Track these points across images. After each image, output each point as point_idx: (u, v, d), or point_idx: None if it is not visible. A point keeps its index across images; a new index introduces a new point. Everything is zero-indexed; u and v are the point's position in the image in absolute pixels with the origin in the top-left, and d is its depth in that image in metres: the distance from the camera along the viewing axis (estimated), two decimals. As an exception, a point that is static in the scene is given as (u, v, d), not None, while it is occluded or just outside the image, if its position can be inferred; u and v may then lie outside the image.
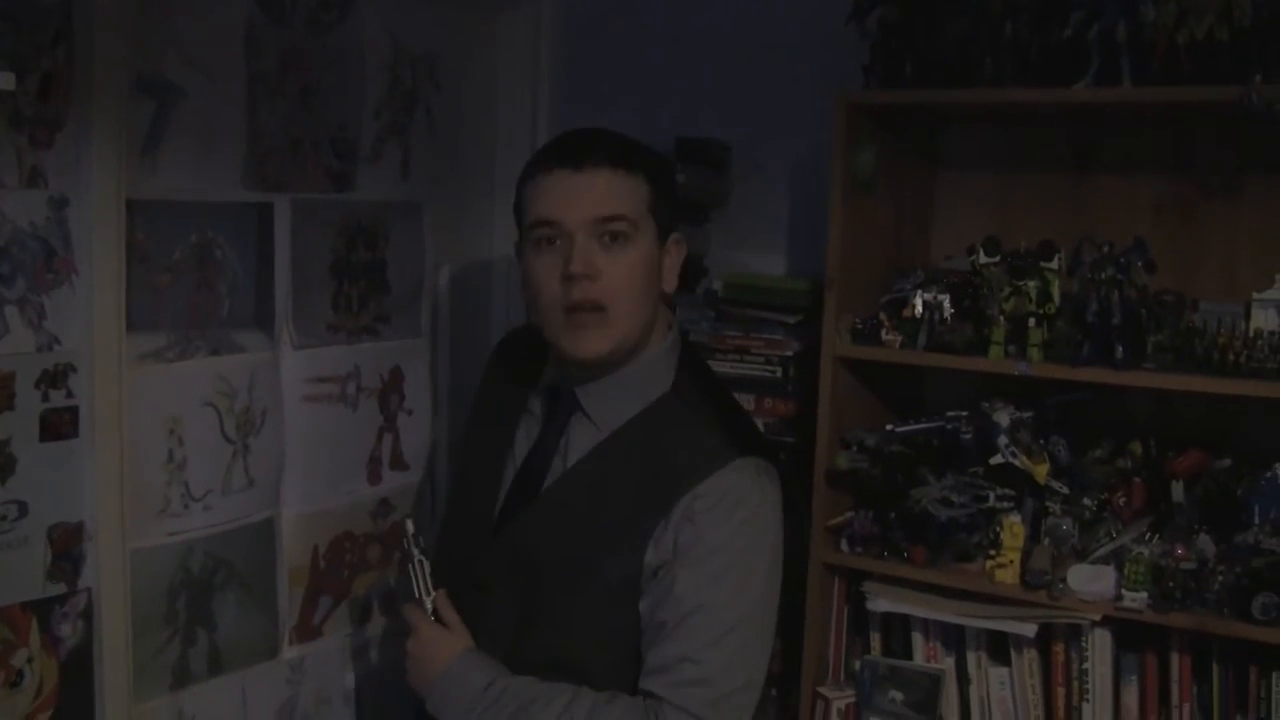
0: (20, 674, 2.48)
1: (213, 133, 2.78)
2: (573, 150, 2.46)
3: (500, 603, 2.56)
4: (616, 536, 2.47)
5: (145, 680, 2.72)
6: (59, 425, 2.47)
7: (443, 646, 2.57)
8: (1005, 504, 3.03)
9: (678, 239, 2.58)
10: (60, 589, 2.52)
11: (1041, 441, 3.05)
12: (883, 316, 3.15)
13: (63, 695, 2.55)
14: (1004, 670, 3.08)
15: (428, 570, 2.64)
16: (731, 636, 2.44)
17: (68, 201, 2.45)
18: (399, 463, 3.35)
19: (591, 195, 2.41)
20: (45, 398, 2.45)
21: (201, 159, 2.76)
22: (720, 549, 2.43)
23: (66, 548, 2.52)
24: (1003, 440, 3.00)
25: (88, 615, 2.57)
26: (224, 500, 2.86)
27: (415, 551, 2.65)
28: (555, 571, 2.51)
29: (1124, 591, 2.85)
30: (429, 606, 2.61)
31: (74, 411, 2.50)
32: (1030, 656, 3.04)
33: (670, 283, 2.58)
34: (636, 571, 2.46)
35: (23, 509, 2.44)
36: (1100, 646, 2.96)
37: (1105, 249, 2.89)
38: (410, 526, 2.67)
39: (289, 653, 3.08)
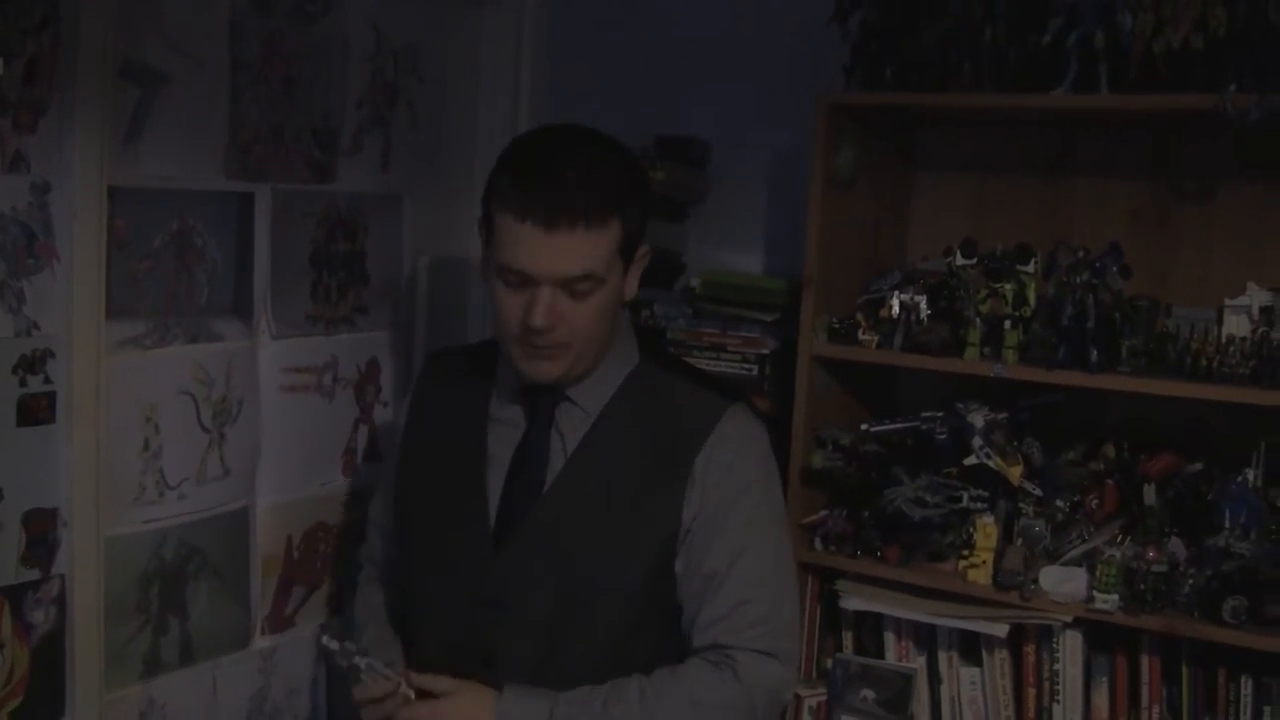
0: (-9, 659, 2.47)
1: (195, 121, 2.76)
2: (547, 205, 2.37)
3: (520, 614, 2.51)
4: (646, 507, 2.49)
5: (116, 668, 2.71)
6: (36, 410, 2.47)
7: (472, 708, 2.47)
8: (979, 505, 3.05)
9: (645, 252, 2.56)
10: (34, 575, 2.51)
11: (1015, 443, 3.08)
12: (859, 316, 3.16)
13: (33, 682, 2.54)
14: (975, 670, 3.10)
15: (379, 665, 2.50)
16: (776, 569, 2.55)
17: (50, 187, 2.44)
18: (374, 454, 3.34)
19: (562, 256, 2.38)
20: (23, 383, 2.44)
21: (184, 147, 2.74)
22: (748, 490, 2.52)
23: (41, 534, 2.51)
24: (977, 441, 3.02)
25: (60, 602, 2.56)
26: (199, 489, 2.85)
27: (358, 661, 2.48)
28: (588, 561, 2.49)
29: (1095, 593, 2.87)
30: (411, 695, 2.48)
31: (51, 397, 2.49)
32: (1001, 657, 3.06)
33: (632, 290, 2.56)
34: (673, 535, 2.49)
35: (-2, 493, 2.44)
36: (1071, 648, 2.98)
37: (1081, 253, 2.91)
38: (332, 642, 2.49)
39: (260, 642, 3.07)
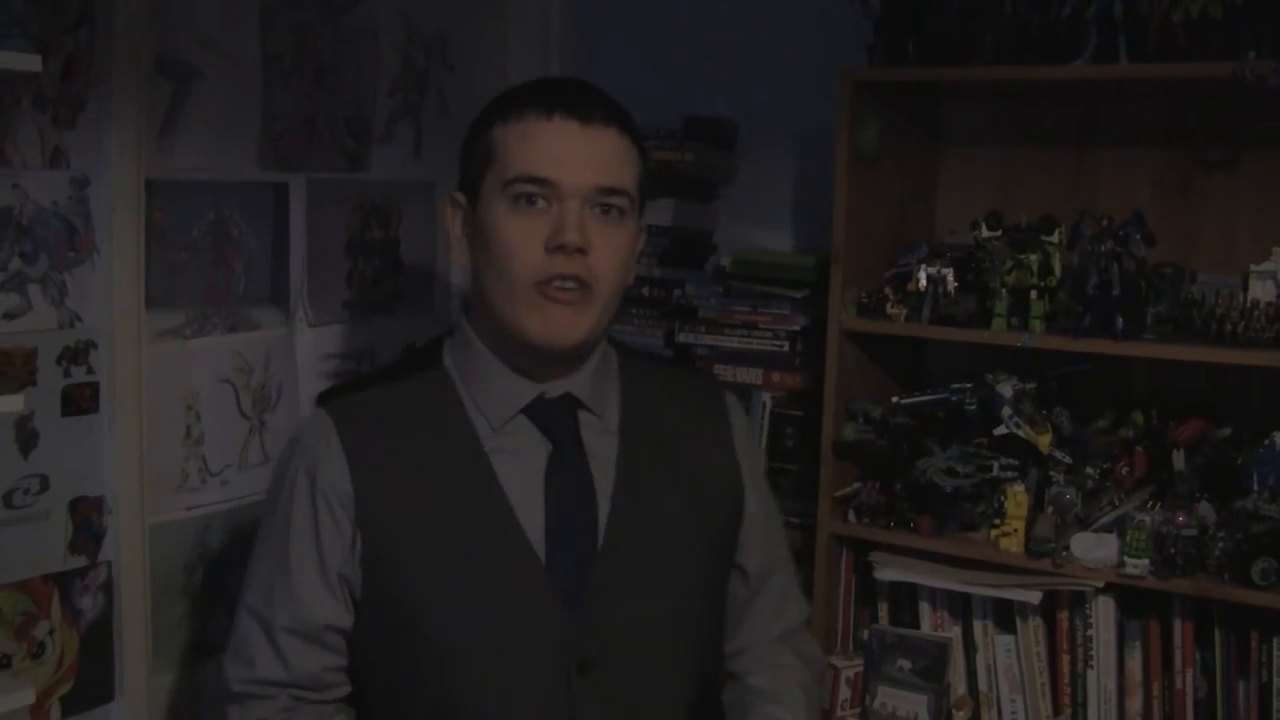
0: (42, 645, 2.51)
1: (229, 113, 2.81)
2: (579, 98, 2.11)
3: (617, 673, 2.14)
4: (709, 512, 2.29)
5: (164, 652, 2.75)
6: (80, 400, 2.52)
7: None
8: (1009, 474, 3.06)
9: (642, 230, 2.28)
10: (81, 562, 2.56)
11: (1044, 412, 3.09)
12: (887, 290, 3.18)
13: (83, 667, 2.59)
14: (1010, 638, 3.11)
15: None
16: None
17: (89, 181, 2.49)
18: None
19: (598, 158, 2.09)
20: (67, 374, 2.49)
21: (218, 139, 2.80)
22: (761, 459, 2.52)
23: (87, 521, 2.56)
24: (1006, 411, 3.04)
25: (108, 588, 2.61)
26: (241, 476, 2.90)
27: None
28: (673, 584, 2.22)
29: (1126, 559, 2.88)
30: None
31: (94, 387, 2.54)
32: (1035, 624, 3.07)
33: (631, 275, 2.26)
34: (736, 532, 2.36)
35: (44, 483, 2.48)
36: (1104, 613, 3.00)
37: (1104, 222, 2.92)
38: None
39: (305, 626, 3.11)
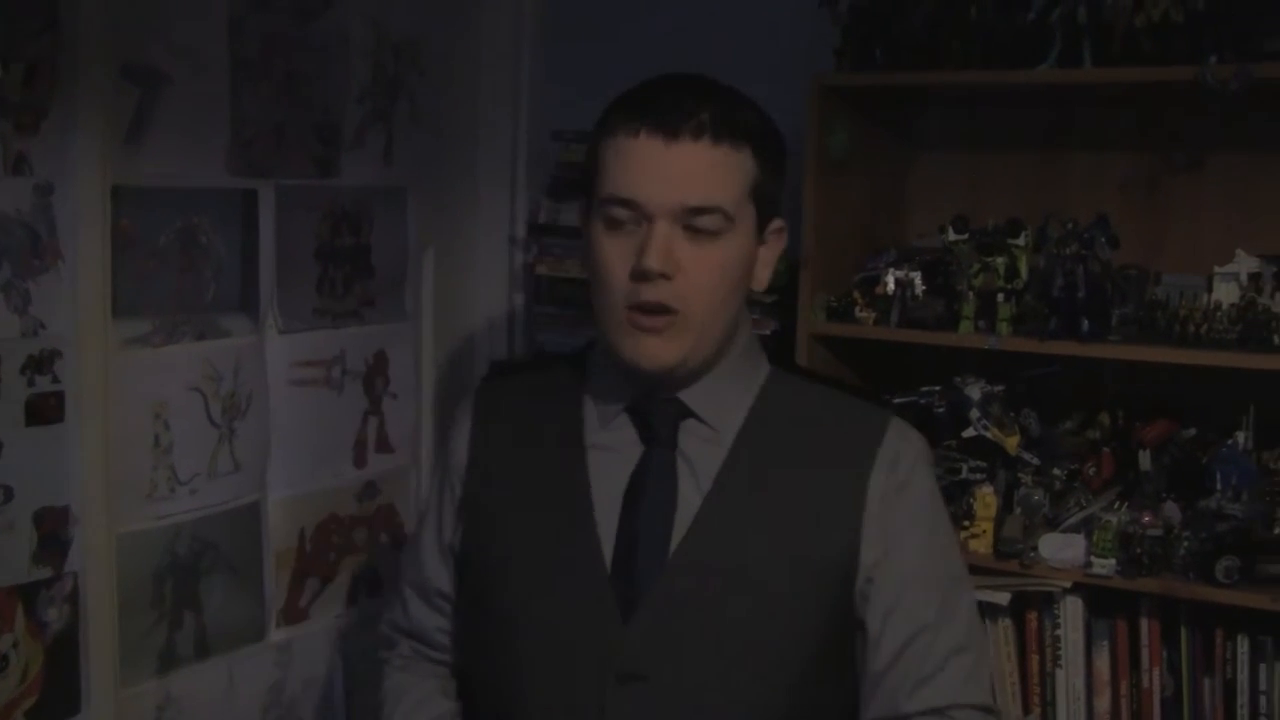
0: (5, 658, 2.48)
1: (197, 119, 2.79)
2: (668, 112, 2.00)
3: (663, 689, 2.06)
4: (811, 549, 2.09)
5: (131, 664, 2.73)
6: (45, 410, 2.49)
7: None
8: (978, 475, 3.08)
9: (779, 227, 2.18)
10: (46, 573, 2.53)
11: (1012, 414, 3.11)
12: (856, 294, 3.19)
13: (48, 679, 2.56)
14: (979, 639, 3.13)
15: None
16: (974, 606, 2.22)
17: (53, 188, 2.47)
18: (384, 446, 3.38)
19: (684, 177, 1.99)
20: (31, 383, 2.47)
21: (186, 146, 2.77)
22: (934, 517, 2.20)
23: (52, 531, 2.53)
24: (975, 413, 3.06)
25: (73, 599, 2.58)
26: (210, 484, 2.88)
27: None
28: (743, 621, 2.07)
29: (1093, 559, 2.90)
30: None
31: (60, 396, 2.51)
32: (1004, 624, 3.08)
33: (761, 280, 2.18)
34: (847, 580, 2.10)
35: (8, 493, 2.46)
36: (1072, 613, 3.01)
37: (1070, 225, 2.95)
38: None
39: (276, 635, 3.09)
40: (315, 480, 3.18)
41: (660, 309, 2.01)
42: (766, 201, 2.11)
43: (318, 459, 3.19)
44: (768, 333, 3.42)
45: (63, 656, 2.58)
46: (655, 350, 2.04)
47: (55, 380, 2.51)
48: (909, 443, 2.19)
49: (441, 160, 3.56)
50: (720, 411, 2.16)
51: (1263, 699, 2.85)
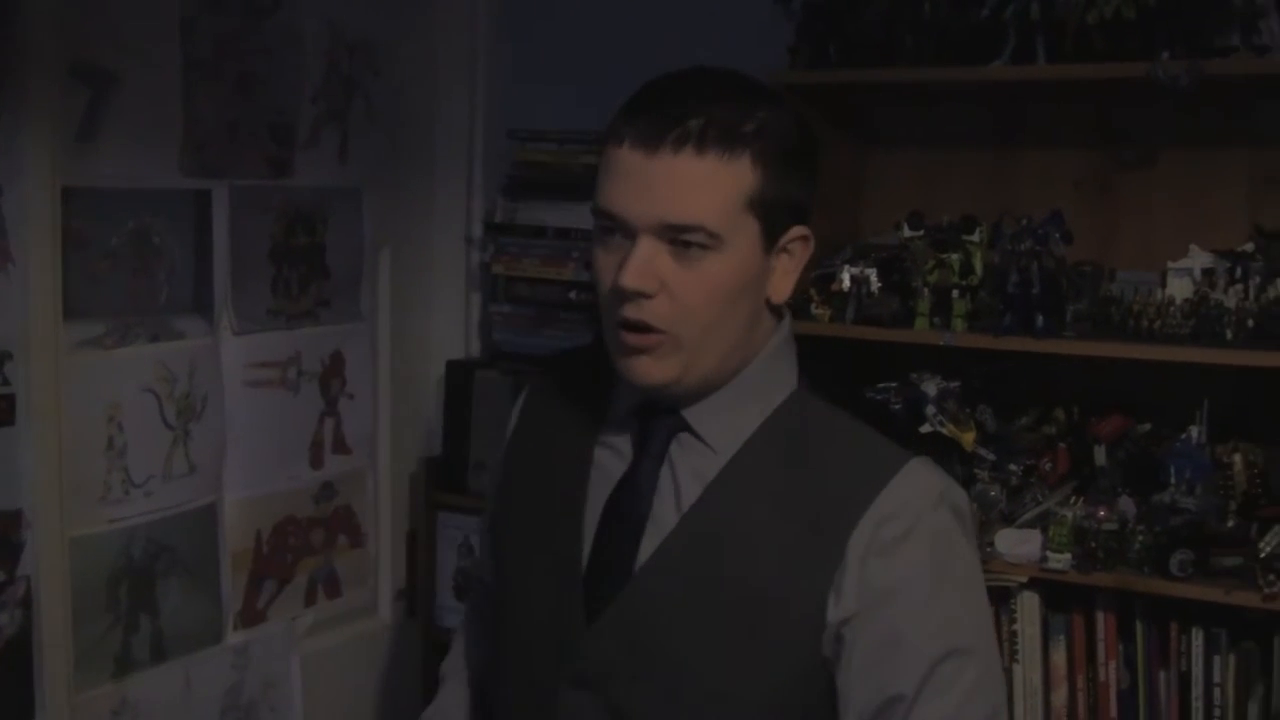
0: (-42, 663, 2.49)
1: (149, 120, 2.80)
2: (653, 121, 1.85)
3: (610, 705, 1.98)
4: (781, 592, 1.91)
5: (86, 668, 2.74)
6: (-4, 413, 2.49)
7: None
8: (933, 472, 3.08)
9: (803, 235, 1.97)
10: (-1, 577, 2.54)
11: (968, 410, 3.11)
12: (812, 291, 3.19)
13: (1, 685, 2.56)
14: (936, 635, 3.13)
15: None
16: (984, 672, 1.94)
17: (2, 190, 2.47)
18: (341, 446, 3.38)
19: (663, 191, 1.84)
20: (-18, 386, 2.47)
21: (138, 146, 2.78)
22: (945, 575, 1.93)
23: (5, 536, 2.54)
24: (931, 410, 3.06)
25: (26, 604, 2.58)
26: (165, 486, 2.89)
27: None
28: (699, 653, 1.93)
29: (1049, 554, 2.90)
30: None
31: (11, 399, 2.51)
32: (996, 654, 3.08)
33: (781, 292, 1.99)
34: (813, 634, 1.91)
35: (-41, 497, 2.46)
36: (1028, 608, 3.01)
37: (1024, 221, 2.95)
38: None
39: (233, 638, 3.11)
40: (272, 482, 3.19)
41: (642, 327, 1.89)
42: (778, 211, 1.91)
43: (274, 460, 3.19)
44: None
45: (16, 661, 2.58)
46: (645, 369, 1.91)
47: (6, 383, 2.51)
48: (922, 493, 1.94)
49: (397, 159, 3.56)
50: (721, 429, 2.00)
51: (1217, 691, 2.86)
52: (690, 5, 3.66)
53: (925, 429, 3.06)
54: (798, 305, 3.16)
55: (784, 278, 1.97)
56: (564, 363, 2.39)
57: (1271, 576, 2.71)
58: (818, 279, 3.22)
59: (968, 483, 3.09)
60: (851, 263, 3.16)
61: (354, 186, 3.39)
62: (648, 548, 1.98)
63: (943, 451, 3.08)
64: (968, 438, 3.05)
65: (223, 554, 3.06)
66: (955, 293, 3.00)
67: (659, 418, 2.01)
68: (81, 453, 2.68)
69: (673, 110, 1.85)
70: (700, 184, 1.84)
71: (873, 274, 3.12)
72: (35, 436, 2.55)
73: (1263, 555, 2.75)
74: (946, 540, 1.95)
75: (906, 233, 3.06)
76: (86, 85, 2.65)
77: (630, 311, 1.87)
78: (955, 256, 3.00)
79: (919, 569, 1.90)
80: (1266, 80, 2.85)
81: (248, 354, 3.09)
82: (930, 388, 3.07)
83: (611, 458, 2.06)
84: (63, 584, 2.64)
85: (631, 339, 1.89)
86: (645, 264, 1.84)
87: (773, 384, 2.03)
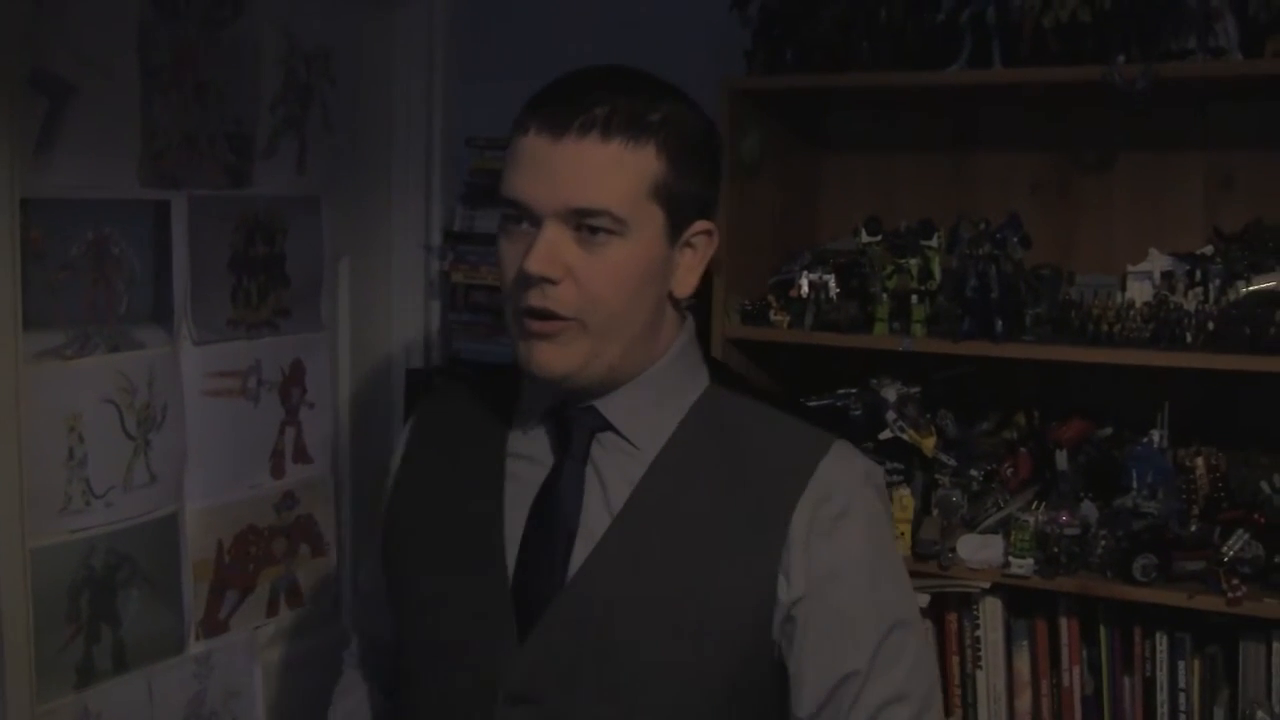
0: (-83, 677, 2.47)
1: (107, 130, 2.77)
2: (558, 108, 1.87)
3: (551, 716, 1.94)
4: (726, 581, 1.91)
5: (48, 679, 2.70)
6: (-44, 424, 2.47)
7: None
8: (895, 477, 3.09)
9: (707, 230, 1.99)
10: (-41, 590, 2.51)
11: (929, 415, 3.13)
12: (770, 298, 3.20)
13: (-36, 696, 2.54)
14: (899, 640, 3.14)
15: None
16: (924, 651, 2.02)
17: (-40, 201, 2.45)
18: (302, 456, 3.36)
19: (569, 175, 1.85)
20: (-59, 397, 2.45)
21: (97, 156, 2.75)
22: (880, 550, 1.99)
23: (-35, 548, 2.52)
24: (891, 415, 3.08)
25: (-13, 616, 2.57)
26: (126, 496, 2.86)
27: None
28: (647, 650, 1.91)
29: (1011, 559, 2.92)
30: None
31: (-29, 410, 2.50)
32: (924, 626, 3.09)
33: (685, 286, 2.00)
34: (764, 618, 1.91)
35: (-81, 508, 2.44)
36: (991, 613, 3.03)
37: (982, 226, 2.97)
38: None
39: (195, 647, 3.08)
40: (233, 491, 3.16)
41: (547, 314, 1.88)
42: (683, 203, 1.93)
43: (235, 470, 3.17)
44: (684, 337, 3.42)
45: (-23, 674, 2.55)
46: (546, 358, 1.90)
47: (-36, 394, 2.48)
48: (849, 472, 1.98)
49: (355, 168, 3.54)
50: (642, 426, 1.99)
51: (1182, 696, 2.88)
52: (648, 12, 3.67)
53: (885, 435, 3.09)
54: (756, 312, 3.17)
55: (688, 273, 1.98)
56: (452, 386, 2.34)
57: (1235, 581, 2.73)
58: (776, 285, 3.23)
59: (929, 488, 3.11)
60: (810, 269, 3.17)
61: (312, 195, 3.37)
62: (579, 554, 1.95)
63: (904, 457, 3.10)
64: (928, 443, 3.07)
65: (184, 564, 3.03)
66: (914, 298, 3.02)
67: (577, 418, 2.00)
68: (42, 463, 2.65)
69: (579, 99, 1.86)
70: (606, 169, 1.85)
71: (831, 280, 3.14)
72: (-5, 447, 2.53)
73: (1226, 559, 2.77)
74: (878, 519, 2.01)
75: (864, 238, 3.08)
76: (45, 95, 2.63)
77: (535, 299, 1.87)
78: (914, 261, 3.01)
79: (859, 547, 1.93)
80: (1222, 82, 2.88)
81: (208, 364, 3.07)
82: (890, 393, 3.09)
83: (526, 467, 2.03)
84: (24, 595, 2.61)
85: (535, 325, 1.88)
86: (550, 249, 1.85)
87: (685, 382, 2.03)
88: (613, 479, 1.97)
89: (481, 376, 2.29)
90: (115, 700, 2.87)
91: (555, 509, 1.98)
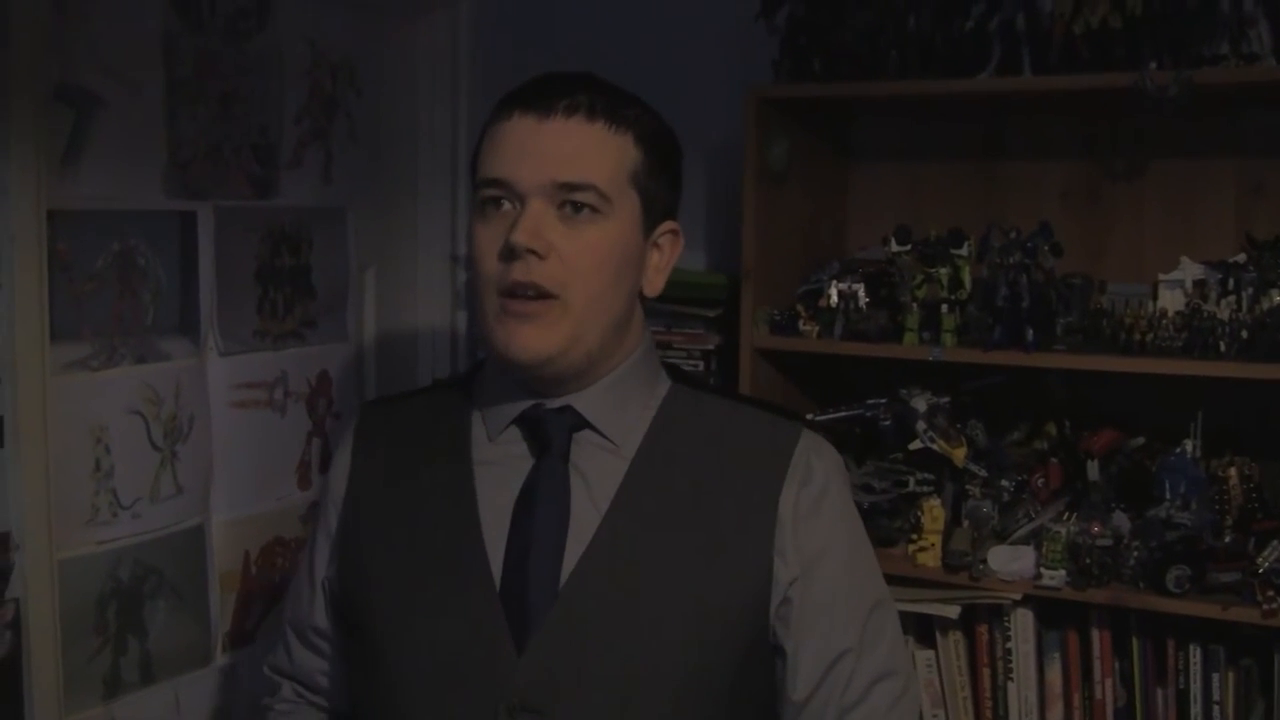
0: (-53, 687, 2.46)
1: (133, 141, 2.77)
2: (544, 91, 1.95)
3: None
4: (721, 571, 1.95)
5: (76, 691, 2.70)
6: (-17, 435, 2.47)
7: None
8: (925, 488, 3.08)
9: (672, 229, 2.07)
10: (-13, 600, 2.52)
11: (959, 425, 3.10)
12: (799, 308, 3.18)
13: (-9, 709, 2.54)
14: (930, 653, 3.11)
15: None
16: (896, 621, 2.11)
17: (-13, 213, 2.45)
18: (329, 467, 3.35)
19: (556, 151, 1.91)
20: (-32, 408, 2.44)
21: (122, 168, 2.75)
22: (850, 534, 2.07)
23: (-7, 559, 2.52)
24: (921, 425, 3.05)
25: (15, 627, 2.55)
26: (153, 508, 2.85)
27: None
28: (649, 649, 1.92)
29: (1042, 570, 2.90)
30: None
31: (-2, 421, 2.50)
32: (955, 638, 3.08)
33: (653, 285, 2.07)
34: (762, 603, 1.97)
35: (-53, 520, 2.43)
36: (1023, 625, 3.00)
37: (1012, 234, 2.95)
38: None
39: (222, 659, 3.07)
40: (259, 503, 3.16)
41: (533, 290, 1.90)
42: (654, 198, 2.01)
43: (261, 481, 3.17)
44: (710, 348, 3.41)
45: (6, 684, 2.55)
46: (529, 339, 1.92)
47: (-8, 406, 2.48)
48: (822, 457, 2.07)
49: (381, 179, 3.55)
50: (619, 422, 2.03)
51: (1216, 709, 2.85)
52: (673, 21, 3.66)
53: (915, 445, 3.06)
54: (786, 322, 3.16)
55: (656, 273, 2.06)
56: (385, 410, 2.28)
57: (1270, 592, 2.70)
58: (805, 295, 3.21)
59: (959, 499, 3.09)
60: (839, 278, 3.16)
61: (338, 206, 3.37)
62: (570, 556, 1.96)
63: (934, 467, 3.08)
64: (959, 454, 3.04)
65: (211, 575, 3.03)
66: (944, 307, 3.00)
67: (552, 418, 2.02)
68: (69, 475, 2.65)
69: (561, 88, 1.96)
70: (592, 146, 1.93)
71: (860, 289, 3.12)
72: (22, 459, 2.52)
73: (1261, 570, 2.74)
74: (849, 500, 2.13)
75: (894, 247, 3.06)
76: (71, 107, 2.63)
77: (519, 273, 1.89)
78: (944, 271, 3.00)
79: (839, 527, 2.05)
80: (1255, 88, 2.85)
81: (234, 375, 3.07)
82: (920, 403, 3.07)
83: (499, 474, 2.03)
84: (51, 607, 2.60)
85: (517, 306, 1.91)
86: (537, 223, 1.90)
87: (652, 381, 2.10)
88: (596, 477, 1.99)
89: (415, 396, 2.32)
90: (142, 711, 2.86)
91: (539, 509, 1.98)
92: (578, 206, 1.92)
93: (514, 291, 1.91)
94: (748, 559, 1.96)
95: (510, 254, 1.89)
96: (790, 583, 1.97)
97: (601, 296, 1.95)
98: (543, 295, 1.90)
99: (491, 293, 1.93)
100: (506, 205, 1.93)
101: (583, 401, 2.02)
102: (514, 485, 2.01)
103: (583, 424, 2.02)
